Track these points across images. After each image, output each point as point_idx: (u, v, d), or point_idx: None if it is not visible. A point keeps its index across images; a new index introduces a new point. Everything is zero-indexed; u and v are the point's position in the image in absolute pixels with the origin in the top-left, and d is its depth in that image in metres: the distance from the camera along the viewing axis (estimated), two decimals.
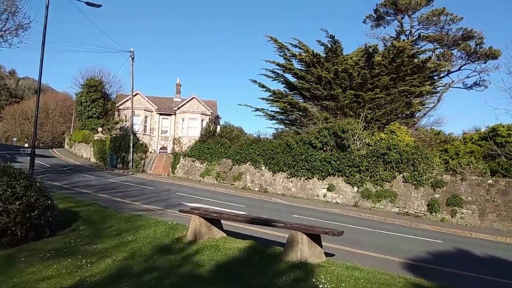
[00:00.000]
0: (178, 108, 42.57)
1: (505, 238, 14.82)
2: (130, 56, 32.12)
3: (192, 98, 42.70)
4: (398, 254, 9.28)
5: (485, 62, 32.89)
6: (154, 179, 25.95)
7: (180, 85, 46.44)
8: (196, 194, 19.12)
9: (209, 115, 41.60)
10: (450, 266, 8.71)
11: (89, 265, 6.05)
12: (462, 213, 17.70)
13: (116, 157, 32.77)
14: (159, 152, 39.80)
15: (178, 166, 29.50)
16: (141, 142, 34.30)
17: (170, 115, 43.41)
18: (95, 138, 37.45)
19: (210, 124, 31.60)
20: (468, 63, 33.70)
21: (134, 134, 33.91)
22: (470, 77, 34.97)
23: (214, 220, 8.23)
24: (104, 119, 43.97)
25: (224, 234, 8.40)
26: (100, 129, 38.46)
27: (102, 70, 60.55)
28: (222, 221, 8.67)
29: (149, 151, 35.67)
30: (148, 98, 42.75)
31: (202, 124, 38.70)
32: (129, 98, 34.67)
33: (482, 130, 25.22)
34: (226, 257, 6.69)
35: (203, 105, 42.49)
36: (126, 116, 39.89)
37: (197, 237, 7.88)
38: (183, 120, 42.27)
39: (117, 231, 8.59)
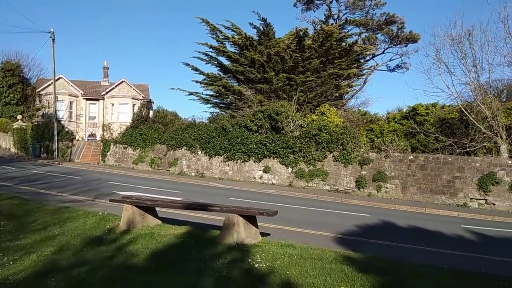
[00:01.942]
0: (107, 93, 40.46)
1: (424, 209, 16.20)
2: (50, 37, 29.74)
3: (122, 81, 40.77)
4: (330, 229, 9.76)
5: (406, 46, 35.18)
6: (83, 168, 24.62)
7: (108, 68, 44.07)
8: (130, 182, 18.49)
9: (141, 100, 40.07)
10: (377, 237, 9.37)
11: (11, 262, 5.63)
12: (387, 188, 19.03)
13: (39, 147, 30.52)
14: (88, 139, 37.75)
15: (108, 153, 28.23)
16: (66, 129, 32.22)
17: (98, 100, 41.13)
18: (14, 126, 34.49)
19: (142, 108, 30.46)
20: (391, 47, 35.82)
21: (59, 121, 31.72)
22: (393, 60, 37.38)
23: (148, 208, 8.04)
24: (24, 105, 40.48)
25: (160, 222, 8.25)
26: (19, 116, 35.45)
27: (20, 53, 55.35)
28: (158, 209, 8.50)
29: (76, 139, 33.68)
30: (73, 82, 40.05)
31: (133, 109, 37.23)
32: (51, 83, 32.24)
33: (404, 110, 27.06)
34: (161, 244, 6.58)
35: (133, 89, 40.78)
36: (48, 102, 37.11)
37: (130, 226, 7.66)
38: (113, 105, 40.32)
39: (42, 224, 8.08)
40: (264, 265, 5.47)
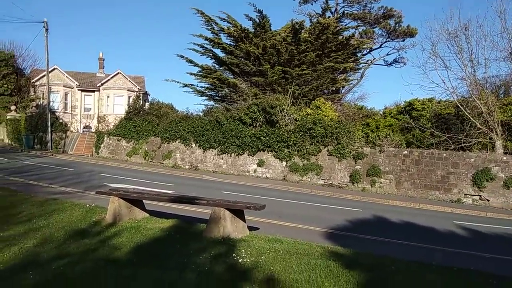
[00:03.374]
0: (102, 84, 40.14)
1: (418, 204, 16.14)
2: (44, 27, 29.37)
3: (117, 73, 40.43)
4: (321, 224, 9.66)
5: (403, 40, 34.95)
6: (76, 160, 24.43)
7: (103, 60, 43.67)
8: (122, 174, 18.33)
9: (137, 92, 39.77)
10: (367, 233, 9.26)
11: None
12: (381, 183, 18.96)
13: (32, 138, 30.28)
14: (82, 131, 37.47)
15: (102, 145, 28.02)
16: (60, 121, 31.97)
17: (93, 91, 40.81)
18: (8, 117, 34.20)
19: (137, 100, 30.19)
20: (388, 41, 35.59)
21: (53, 113, 31.49)
22: (390, 54, 37.05)
23: (135, 201, 7.91)
24: (17, 96, 40.12)
25: (147, 215, 8.12)
26: (13, 107, 35.14)
27: (14, 43, 54.79)
28: (146, 201, 8.37)
29: (70, 130, 33.40)
30: (68, 73, 39.69)
31: (129, 101, 36.95)
32: (46, 74, 31.90)
33: (401, 105, 26.94)
34: (146, 238, 6.46)
35: (129, 81, 40.46)
36: (43, 93, 36.78)
37: (116, 219, 7.53)
38: (108, 97, 40.01)
39: (28, 216, 7.93)
40: (248, 260, 5.36)
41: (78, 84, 40.06)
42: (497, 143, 18.46)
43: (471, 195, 17.25)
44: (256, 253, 5.73)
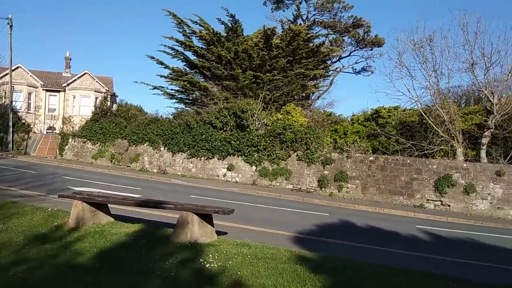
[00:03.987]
0: (68, 84, 38.86)
1: (383, 209, 16.56)
2: (8, 23, 28.27)
3: (85, 73, 39.28)
4: (289, 228, 9.73)
5: (371, 49, 35.93)
6: (38, 162, 23.55)
7: (70, 59, 42.35)
8: (87, 177, 17.80)
9: (104, 93, 38.76)
10: (334, 237, 9.40)
11: None
12: (348, 188, 19.32)
13: None
14: (46, 132, 36.14)
15: (66, 147, 27.16)
16: (23, 121, 30.75)
17: (58, 91, 39.42)
18: None
19: (104, 101, 29.48)
20: (357, 50, 36.49)
21: (15, 113, 30.24)
22: (358, 62, 37.96)
23: (100, 205, 7.69)
24: None
25: (112, 219, 7.91)
26: None
27: None
28: (111, 206, 8.16)
29: (33, 131, 32.19)
30: (32, 72, 38.17)
31: (96, 102, 35.96)
32: (8, 72, 30.61)
33: (368, 112, 27.61)
34: (110, 243, 6.28)
35: (97, 81, 39.40)
36: (5, 92, 35.22)
37: (80, 223, 7.29)
38: (74, 97, 38.77)
39: None
40: (215, 265, 5.31)
41: (42, 83, 38.64)
42: (458, 151, 19.23)
43: (433, 200, 17.86)
44: (223, 258, 5.69)
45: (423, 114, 20.45)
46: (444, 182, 17.59)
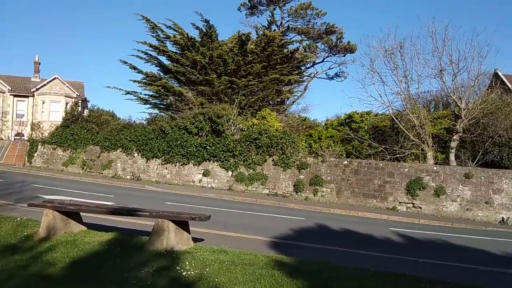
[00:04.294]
0: (37, 89, 37.72)
1: (357, 212, 16.83)
2: None
3: (54, 78, 38.22)
4: (266, 233, 9.73)
5: (344, 55, 36.55)
6: (6, 170, 22.71)
7: (39, 63, 41.16)
8: (57, 185, 17.28)
9: (75, 98, 37.85)
10: (310, 241, 9.48)
11: None
12: (323, 192, 19.53)
13: None
14: (14, 138, 34.93)
15: (35, 154, 26.29)
16: None
17: (27, 97, 38.20)
18: None
19: (75, 107, 28.74)
20: (330, 56, 37.02)
21: None
22: (331, 68, 38.51)
23: (71, 213, 7.48)
24: None
25: (84, 228, 7.71)
26: None
27: None
28: (83, 214, 7.94)
29: (0, 138, 31.04)
30: None
31: (66, 108, 35.04)
32: None
33: (341, 117, 28.05)
34: (83, 252, 6.11)
35: (67, 86, 38.41)
36: None
37: (51, 233, 7.07)
38: (44, 103, 37.65)
39: None
40: (192, 273, 5.25)
41: (10, 88, 37.36)
42: (428, 154, 19.80)
43: (405, 203, 18.28)
44: (200, 265, 5.63)
45: (394, 119, 20.96)
46: (416, 185, 18.05)
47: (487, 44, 20.00)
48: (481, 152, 19.29)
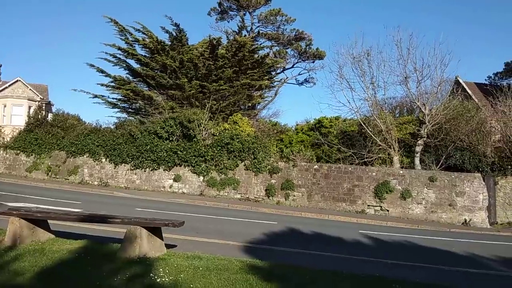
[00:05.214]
0: None
1: (327, 215, 17.13)
2: None
3: (17, 81, 36.70)
4: (239, 238, 9.75)
5: (313, 62, 37.18)
6: None
7: (1, 66, 39.55)
8: (21, 191, 16.62)
9: (39, 101, 36.49)
10: (282, 245, 9.57)
11: None
12: (294, 196, 19.76)
13: None
14: None
15: None
16: None
17: None
18: None
19: (39, 111, 27.76)
20: (300, 62, 37.56)
21: None
22: (301, 74, 39.06)
23: (39, 221, 7.23)
24: None
25: (52, 236, 7.47)
26: None
27: None
28: (51, 222, 7.69)
29: None
30: None
31: (29, 112, 33.74)
32: None
33: (311, 122, 28.50)
34: (52, 261, 5.92)
35: (30, 89, 36.96)
36: None
37: (17, 241, 6.81)
38: (5, 106, 36.02)
39: None
40: (167, 279, 5.21)
41: None
42: (394, 159, 20.44)
43: (373, 206, 18.77)
44: (175, 272, 5.59)
45: (362, 124, 21.52)
46: (383, 188, 18.57)
47: (449, 53, 20.95)
48: (444, 156, 20.10)
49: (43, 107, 34.18)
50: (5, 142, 25.94)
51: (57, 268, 5.64)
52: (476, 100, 24.59)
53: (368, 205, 18.81)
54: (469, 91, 26.73)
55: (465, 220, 17.45)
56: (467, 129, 19.94)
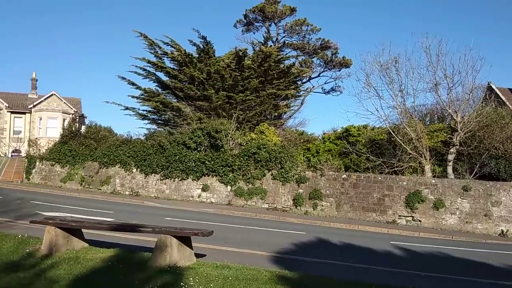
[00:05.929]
0: (35, 106, 37.86)
1: (357, 226, 16.82)
2: None
3: (52, 94, 38.42)
4: (267, 248, 9.72)
5: (339, 70, 36.90)
6: (4, 187, 22.58)
7: (37, 80, 41.39)
8: (56, 201, 17.21)
9: (72, 114, 37.96)
10: (311, 255, 9.48)
11: None
12: (322, 205, 19.52)
13: None
14: (11, 155, 34.85)
15: (33, 171, 26.21)
16: None
17: (24, 113, 38.33)
18: None
19: (73, 123, 28.79)
20: (326, 70, 37.38)
21: None
22: (327, 83, 38.83)
23: (73, 230, 7.47)
24: None
25: (86, 244, 7.69)
26: None
27: None
28: (84, 230, 7.93)
29: None
30: None
31: (63, 124, 35.09)
32: None
33: (338, 131, 28.19)
34: (86, 269, 6.10)
35: (64, 102, 38.56)
36: None
37: (53, 250, 7.06)
38: (41, 119, 37.74)
39: None
40: None
41: (7, 105, 37.49)
42: (426, 167, 19.89)
43: (404, 216, 18.28)
44: (204, 281, 5.63)
45: (391, 132, 21.08)
46: (415, 198, 18.08)
47: (480, 58, 20.23)
48: (478, 165, 19.40)
49: (77, 119, 35.44)
50: (41, 154, 26.98)
51: (91, 276, 5.79)
52: (510, 106, 23.71)
53: (399, 215, 18.35)
54: (502, 97, 25.83)
55: (502, 231, 16.72)
56: (501, 137, 19.20)
